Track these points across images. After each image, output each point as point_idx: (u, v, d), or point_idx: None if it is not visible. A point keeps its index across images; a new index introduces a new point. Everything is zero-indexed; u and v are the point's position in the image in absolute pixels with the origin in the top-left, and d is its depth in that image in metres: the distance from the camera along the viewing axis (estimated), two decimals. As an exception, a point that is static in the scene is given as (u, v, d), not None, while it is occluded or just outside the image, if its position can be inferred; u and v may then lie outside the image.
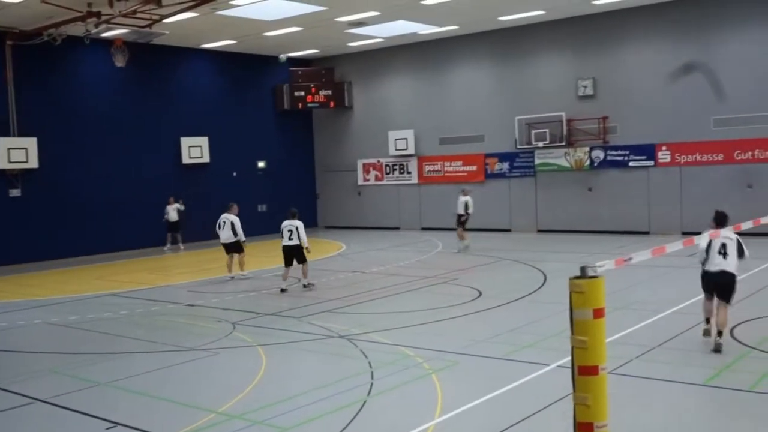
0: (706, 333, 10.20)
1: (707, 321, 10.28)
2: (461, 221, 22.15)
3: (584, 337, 4.33)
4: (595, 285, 4.35)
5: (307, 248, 16.29)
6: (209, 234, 27.60)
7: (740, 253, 9.91)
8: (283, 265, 16.51)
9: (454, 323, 12.43)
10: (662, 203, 23.85)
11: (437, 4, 22.03)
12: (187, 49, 27.67)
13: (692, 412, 7.70)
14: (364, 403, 8.30)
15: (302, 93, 30.59)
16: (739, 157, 22.46)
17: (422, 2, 21.74)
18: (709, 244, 9.87)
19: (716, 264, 9.87)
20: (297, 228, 16.32)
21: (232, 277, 18.47)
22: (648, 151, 24.12)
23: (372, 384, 9.01)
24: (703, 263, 10.01)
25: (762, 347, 9.86)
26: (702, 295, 10.36)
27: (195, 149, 27.80)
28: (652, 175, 24.14)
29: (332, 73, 31.08)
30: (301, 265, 16.47)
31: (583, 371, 4.38)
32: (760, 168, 22.13)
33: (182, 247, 26.02)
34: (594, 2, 23.14)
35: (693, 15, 23.00)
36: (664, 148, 23.83)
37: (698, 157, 23.19)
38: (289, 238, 16.31)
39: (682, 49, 23.27)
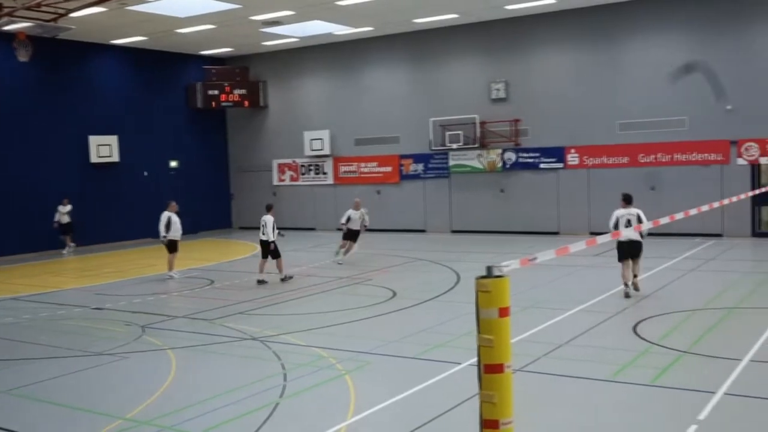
0: (627, 295, 13.36)
1: (626, 285, 13.43)
2: (356, 237, 20.20)
3: (490, 335, 4.41)
4: (501, 284, 4.43)
5: (272, 242, 16.72)
6: (119, 235, 27.05)
7: (641, 222, 13.06)
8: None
9: (367, 324, 12.47)
10: (571, 204, 24.54)
11: (352, 5, 22.06)
12: (96, 45, 26.85)
13: (597, 407, 7.94)
14: (277, 405, 8.24)
15: (216, 92, 30.11)
16: (643, 161, 23.32)
17: (337, 2, 21.73)
18: (617, 220, 13.45)
19: (625, 235, 12.95)
20: (266, 223, 16.72)
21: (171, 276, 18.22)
22: (558, 153, 24.78)
23: (285, 386, 8.96)
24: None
25: (662, 343, 10.26)
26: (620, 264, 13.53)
27: (104, 148, 26.99)
28: (561, 177, 24.81)
29: (247, 72, 30.73)
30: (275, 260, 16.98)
31: (489, 369, 4.45)
32: (661, 171, 23.03)
33: (71, 249, 25.09)
34: (507, 7, 23.60)
35: (602, 21, 23.75)
36: (573, 150, 24.53)
37: (605, 160, 23.97)
38: (262, 233, 16.82)
39: (591, 54, 24.04)
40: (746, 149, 21.86)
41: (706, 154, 22.44)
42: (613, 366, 9.23)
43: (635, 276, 13.41)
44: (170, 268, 18.22)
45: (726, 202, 12.47)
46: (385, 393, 8.41)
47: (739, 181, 21.63)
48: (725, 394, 8.00)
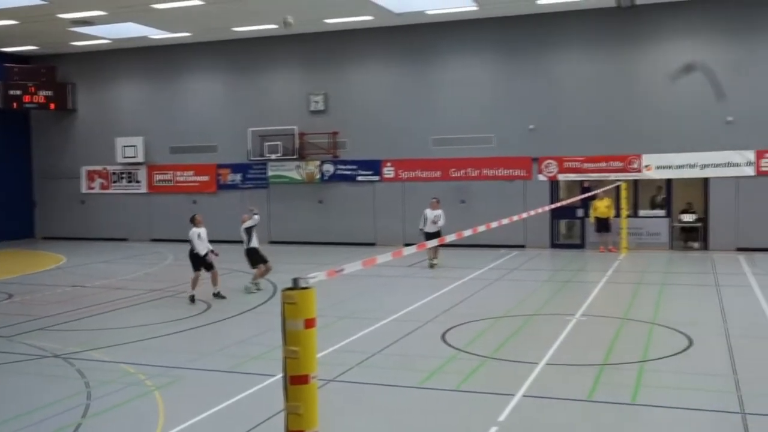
0: (432, 266, 19.22)
1: (430, 259, 19.40)
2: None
3: (296, 347, 4.45)
4: (307, 296, 4.49)
5: (198, 254, 15.64)
6: None
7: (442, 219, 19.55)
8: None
9: (180, 337, 12.13)
10: (387, 216, 25.21)
11: (168, 9, 21.48)
12: None
13: (405, 414, 8.20)
14: (79, 426, 7.83)
15: (18, 92, 28.14)
16: (454, 175, 24.43)
17: (153, 6, 21.07)
18: (426, 216, 19.50)
19: (429, 227, 19.31)
20: (191, 237, 15.75)
21: None
22: (374, 166, 25.38)
23: (88, 405, 8.52)
24: (422, 227, 19.55)
25: (468, 349, 10.77)
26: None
27: None
28: (377, 189, 25.43)
29: (54, 73, 28.99)
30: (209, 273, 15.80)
31: (295, 380, 4.50)
32: (471, 185, 24.24)
33: None
34: (326, 21, 23.91)
35: (417, 39, 24.63)
36: (389, 164, 25.23)
37: (419, 174, 24.86)
38: (192, 248, 15.79)
39: (407, 71, 24.87)
40: (546, 166, 23.48)
41: (511, 170, 23.86)
42: (421, 373, 9.57)
43: (435, 256, 19.50)
44: None
45: (525, 215, 13.28)
46: (197, 408, 8.22)
47: (539, 196, 23.19)
48: (523, 396, 8.52)
